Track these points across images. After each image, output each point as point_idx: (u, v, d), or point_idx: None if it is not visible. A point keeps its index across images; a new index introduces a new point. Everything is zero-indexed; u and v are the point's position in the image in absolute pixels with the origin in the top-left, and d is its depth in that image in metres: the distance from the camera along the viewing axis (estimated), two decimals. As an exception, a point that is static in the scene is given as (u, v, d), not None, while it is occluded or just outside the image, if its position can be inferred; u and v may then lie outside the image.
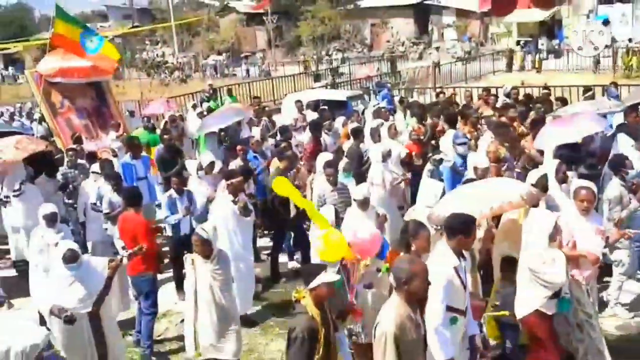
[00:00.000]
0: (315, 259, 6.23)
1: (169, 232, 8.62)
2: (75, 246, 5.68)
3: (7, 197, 9.04)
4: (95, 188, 8.93)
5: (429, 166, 8.76)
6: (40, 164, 9.78)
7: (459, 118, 10.39)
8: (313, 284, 4.33)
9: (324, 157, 8.73)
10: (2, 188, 9.27)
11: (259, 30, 48.61)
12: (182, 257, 7.69)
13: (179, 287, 8.10)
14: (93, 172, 9.29)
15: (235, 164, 9.48)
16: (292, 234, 9.09)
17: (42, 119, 15.08)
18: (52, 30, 12.73)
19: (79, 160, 10.40)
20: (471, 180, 7.06)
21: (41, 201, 9.18)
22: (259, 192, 9.26)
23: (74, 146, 11.01)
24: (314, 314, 4.30)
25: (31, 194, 9.03)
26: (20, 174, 9.10)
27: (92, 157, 10.69)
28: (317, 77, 28.10)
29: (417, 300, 3.98)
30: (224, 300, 5.83)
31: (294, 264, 9.14)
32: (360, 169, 9.22)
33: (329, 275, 4.35)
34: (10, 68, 54.71)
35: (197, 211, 8.30)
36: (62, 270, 5.57)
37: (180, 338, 7.13)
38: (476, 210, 5.07)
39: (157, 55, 46.54)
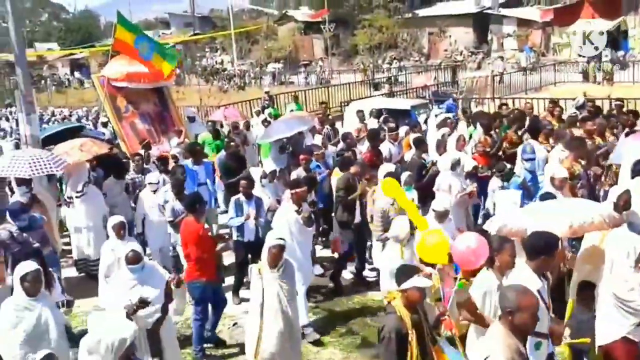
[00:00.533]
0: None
1: (234, 237, 8.40)
2: (138, 248, 5.73)
3: (70, 197, 9.26)
4: (151, 198, 8.88)
5: (497, 182, 8.43)
6: (109, 166, 10.03)
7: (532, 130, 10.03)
8: (404, 286, 4.32)
9: (386, 168, 8.47)
10: (66, 189, 9.51)
11: (316, 39, 48.89)
12: (245, 262, 7.85)
13: (236, 291, 8.15)
14: (149, 184, 9.08)
15: (297, 173, 9.32)
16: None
17: (106, 123, 15.41)
18: (114, 35, 12.96)
19: (145, 166, 10.42)
20: (549, 194, 6.78)
21: (102, 203, 9.43)
22: (321, 200, 9.14)
23: (141, 151, 11.09)
24: (403, 316, 4.29)
25: (93, 195, 9.24)
26: (84, 176, 9.29)
27: (163, 162, 10.52)
28: (376, 86, 27.92)
29: (521, 333, 3.63)
30: (289, 310, 5.77)
31: (347, 274, 8.96)
32: (421, 181, 8.99)
33: (421, 280, 4.34)
34: (76, 73, 56.67)
35: (264, 218, 8.13)
36: (125, 273, 5.63)
37: (233, 341, 7.24)
38: (555, 229, 4.79)
39: (216, 62, 47.42)
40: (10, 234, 6.84)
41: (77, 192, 9.09)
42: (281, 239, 5.81)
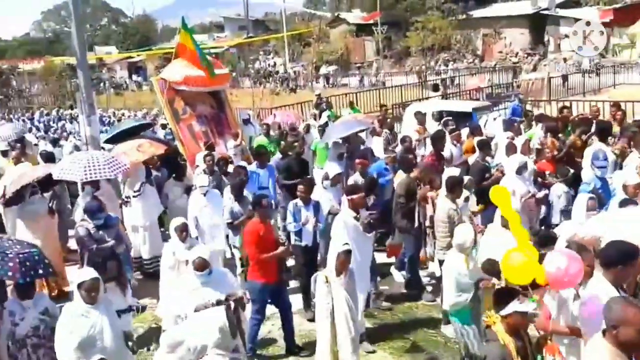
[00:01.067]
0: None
1: (292, 241, 8.26)
2: (205, 253, 5.69)
3: (127, 197, 9.51)
4: (202, 201, 8.72)
5: (561, 187, 8.16)
6: (172, 167, 10.28)
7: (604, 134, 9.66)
8: (505, 311, 4.08)
9: (450, 172, 8.12)
10: (123, 189, 9.78)
11: (367, 41, 48.83)
12: (306, 266, 7.79)
13: (305, 294, 7.96)
14: (200, 186, 8.81)
15: (354, 178, 9.09)
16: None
17: (165, 125, 15.73)
18: (177, 40, 13.25)
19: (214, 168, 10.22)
20: (629, 200, 6.42)
21: (158, 202, 9.67)
22: (383, 204, 8.93)
23: (212, 152, 10.88)
24: (507, 342, 4.04)
25: (150, 194, 9.48)
26: (141, 176, 9.51)
27: (222, 163, 10.51)
28: (435, 87, 27.58)
29: (627, 350, 3.36)
30: (356, 314, 5.80)
31: (400, 279, 8.88)
32: (481, 184, 8.66)
33: (524, 305, 4.08)
34: (134, 76, 58.26)
35: (323, 223, 7.98)
36: (191, 277, 5.62)
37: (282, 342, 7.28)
38: (634, 237, 4.51)
39: (268, 65, 47.95)
40: (87, 232, 7.01)
41: (135, 191, 9.32)
42: (347, 244, 5.77)
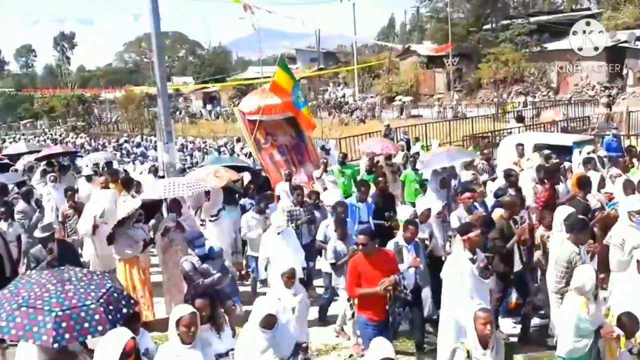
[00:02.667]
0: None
1: None
2: (274, 310, 5.18)
3: (203, 220, 9.76)
4: (276, 241, 8.14)
5: None
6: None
7: None
8: None
9: (564, 210, 7.32)
10: (196, 214, 10.05)
11: (438, 73, 48.63)
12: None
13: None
14: (277, 226, 8.20)
15: (458, 214, 8.40)
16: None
17: (249, 154, 15.93)
18: (273, 78, 13.44)
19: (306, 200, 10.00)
20: None
21: (231, 228, 9.88)
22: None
23: (301, 185, 10.76)
24: None
25: (226, 221, 9.70)
26: (219, 201, 9.75)
27: (317, 196, 10.26)
28: (519, 118, 27.06)
29: None
30: None
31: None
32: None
33: None
34: (208, 105, 60.15)
35: (423, 264, 7.42)
36: (259, 337, 5.16)
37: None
38: None
39: (338, 96, 48.47)
40: (192, 266, 6.77)
41: (212, 216, 9.53)
42: (480, 303, 5.14)
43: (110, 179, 11.72)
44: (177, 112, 53.26)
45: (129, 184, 11.39)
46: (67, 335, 4.10)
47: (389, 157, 13.38)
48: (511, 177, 9.53)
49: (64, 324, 4.10)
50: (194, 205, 10.04)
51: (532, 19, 44.21)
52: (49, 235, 7.63)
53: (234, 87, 54.70)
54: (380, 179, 10.44)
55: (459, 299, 6.07)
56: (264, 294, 7.70)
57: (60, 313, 4.12)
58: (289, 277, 6.50)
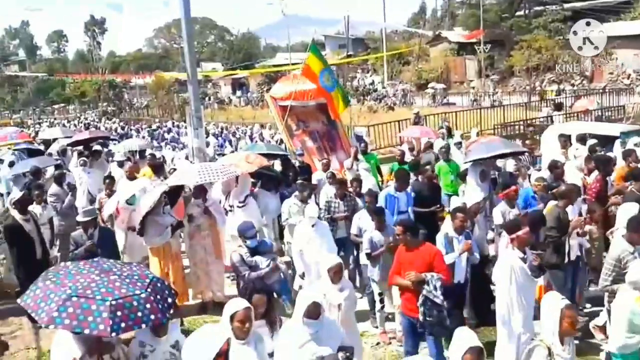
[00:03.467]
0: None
1: None
2: (321, 300, 4.96)
3: (231, 206, 9.73)
4: (310, 233, 7.86)
5: None
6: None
7: None
8: None
9: (630, 208, 6.97)
10: (227, 199, 10.03)
11: (469, 60, 48.00)
12: (455, 307, 6.79)
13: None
14: (310, 217, 7.89)
15: (501, 209, 8.05)
16: None
17: (280, 141, 15.88)
18: (305, 62, 13.45)
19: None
20: None
21: (259, 215, 9.84)
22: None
23: (344, 179, 10.23)
24: None
25: (254, 207, 9.64)
26: (247, 187, 9.73)
27: (359, 184, 9.86)
28: (558, 106, 26.57)
29: None
30: None
31: None
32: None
33: None
34: (238, 92, 60.33)
35: (476, 256, 7.13)
36: (299, 329, 4.83)
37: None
38: None
39: (366, 83, 48.20)
40: (240, 258, 6.56)
41: (240, 202, 9.48)
42: (564, 299, 4.81)
43: (134, 167, 11.70)
44: (206, 98, 53.52)
45: (159, 169, 11.45)
46: (122, 324, 4.02)
47: (429, 146, 13.04)
48: (557, 169, 9.18)
49: (119, 313, 4.01)
50: (224, 191, 9.98)
51: (566, 5, 43.30)
52: (90, 220, 7.63)
53: (263, 74, 54.73)
54: (427, 167, 10.06)
55: (511, 299, 5.96)
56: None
57: (114, 302, 4.03)
58: (335, 272, 5.92)
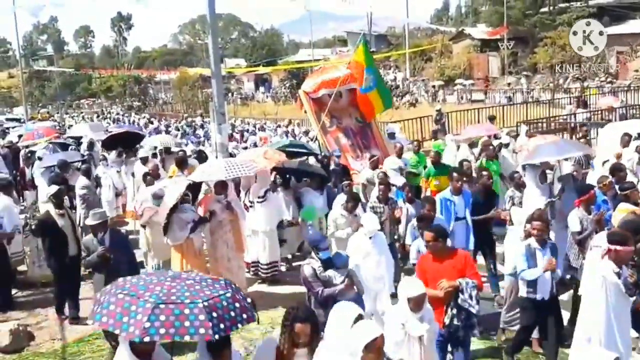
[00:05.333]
0: None
1: (522, 292, 6.36)
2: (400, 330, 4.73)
3: (251, 202, 9.92)
4: (364, 245, 7.05)
5: None
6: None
7: None
8: None
9: None
10: (246, 194, 10.20)
11: (492, 57, 47.70)
12: (533, 326, 6.40)
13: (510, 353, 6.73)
14: (369, 229, 7.01)
15: (579, 214, 7.22)
16: None
17: (315, 137, 15.75)
18: (353, 57, 13.30)
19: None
20: None
21: (280, 210, 10.03)
22: None
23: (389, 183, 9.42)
24: None
25: (273, 202, 9.78)
26: (267, 182, 9.80)
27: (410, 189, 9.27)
28: (584, 104, 26.41)
29: None
30: None
31: None
32: None
33: None
34: (261, 87, 60.60)
35: (562, 271, 6.43)
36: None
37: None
38: None
39: (389, 79, 48.14)
40: (313, 272, 5.93)
41: (259, 197, 9.59)
42: None
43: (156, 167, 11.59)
44: (230, 94, 53.84)
45: (182, 164, 11.68)
46: (222, 325, 3.65)
47: (488, 145, 11.98)
48: (621, 172, 8.28)
49: (214, 314, 3.65)
50: (244, 186, 10.10)
51: (591, 2, 42.82)
52: (99, 224, 7.00)
53: (285, 70, 54.95)
54: (484, 173, 8.95)
55: (599, 316, 5.49)
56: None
57: (205, 304, 3.65)
58: (417, 303, 4.95)
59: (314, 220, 9.85)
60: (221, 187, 8.57)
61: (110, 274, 6.41)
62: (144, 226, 9.51)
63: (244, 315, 3.81)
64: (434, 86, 42.93)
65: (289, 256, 10.53)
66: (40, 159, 13.01)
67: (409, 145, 13.41)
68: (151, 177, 10.41)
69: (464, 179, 8.66)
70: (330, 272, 5.88)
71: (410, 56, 49.18)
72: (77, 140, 17.92)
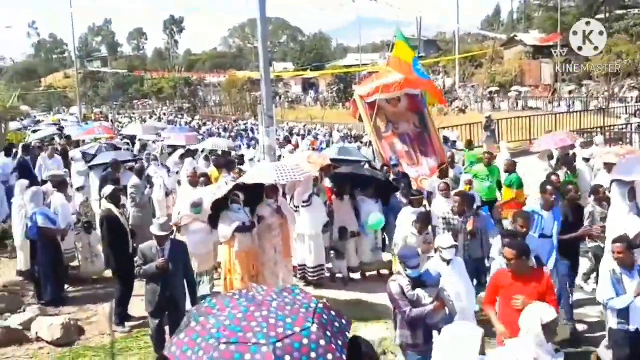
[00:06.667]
0: None
1: (611, 324, 5.83)
2: None
3: (296, 207, 9.91)
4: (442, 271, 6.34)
5: None
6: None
7: None
8: None
9: None
10: (291, 199, 10.15)
11: (544, 63, 46.70)
12: None
13: None
14: (446, 248, 6.30)
15: None
16: None
17: (369, 143, 15.45)
18: (390, 54, 13.20)
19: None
20: None
21: (324, 214, 9.99)
22: None
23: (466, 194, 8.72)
24: None
25: (317, 206, 9.72)
26: (310, 186, 9.78)
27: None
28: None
29: None
30: None
31: None
32: None
33: None
34: (310, 92, 60.88)
35: None
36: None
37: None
38: None
39: (438, 85, 47.69)
40: (400, 289, 5.47)
41: (304, 201, 9.57)
42: None
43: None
44: (277, 97, 54.25)
45: (229, 166, 11.78)
46: None
47: (566, 156, 11.57)
48: None
49: (287, 358, 2.96)
50: (288, 191, 9.99)
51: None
52: (166, 236, 6.88)
53: (332, 74, 55.07)
54: (570, 186, 8.26)
55: None
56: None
57: (279, 344, 2.99)
58: (552, 327, 4.35)
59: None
60: (272, 190, 8.51)
61: (165, 287, 6.65)
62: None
63: (330, 356, 3.04)
64: (490, 92, 42.23)
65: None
66: (85, 155, 13.42)
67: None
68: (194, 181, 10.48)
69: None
70: (420, 292, 5.48)
71: (460, 62, 48.62)
72: (131, 139, 18.51)
